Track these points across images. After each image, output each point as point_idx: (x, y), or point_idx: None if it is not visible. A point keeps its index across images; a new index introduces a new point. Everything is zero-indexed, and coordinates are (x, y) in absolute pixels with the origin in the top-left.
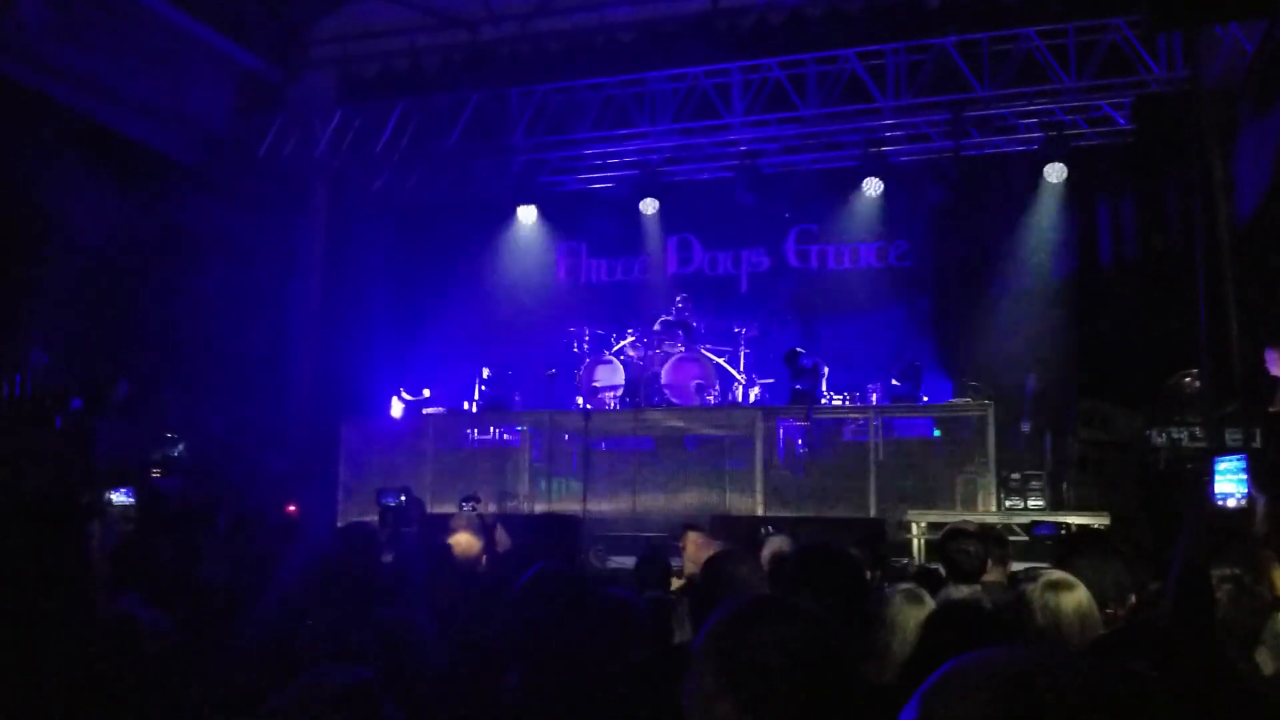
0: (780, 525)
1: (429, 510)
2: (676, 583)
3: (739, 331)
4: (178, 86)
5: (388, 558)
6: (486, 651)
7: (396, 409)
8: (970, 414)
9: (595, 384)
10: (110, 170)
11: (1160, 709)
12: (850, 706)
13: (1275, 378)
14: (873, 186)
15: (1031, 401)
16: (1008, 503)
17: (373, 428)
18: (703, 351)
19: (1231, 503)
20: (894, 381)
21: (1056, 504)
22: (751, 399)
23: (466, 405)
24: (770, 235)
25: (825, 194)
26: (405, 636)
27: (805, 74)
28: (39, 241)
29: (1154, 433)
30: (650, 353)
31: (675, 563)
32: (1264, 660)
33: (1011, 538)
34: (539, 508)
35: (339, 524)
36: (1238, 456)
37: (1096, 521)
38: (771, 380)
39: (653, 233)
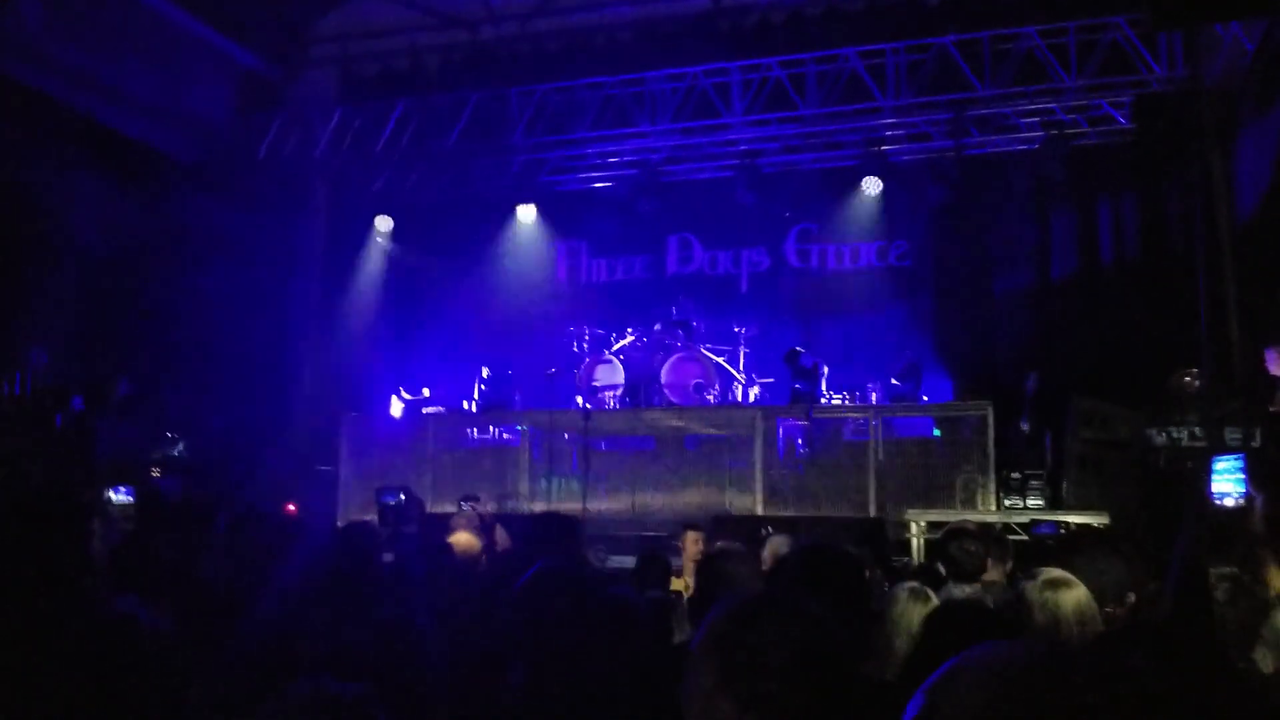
0: (780, 525)
1: (429, 510)
2: (676, 582)
3: (739, 331)
4: (178, 85)
5: (388, 557)
6: (487, 651)
7: (396, 408)
8: (970, 413)
9: (595, 383)
10: (110, 169)
11: (1164, 704)
12: (851, 704)
13: (1275, 377)
14: (873, 186)
15: (1031, 401)
16: (1007, 502)
17: (373, 427)
18: (703, 351)
19: (1229, 502)
20: (894, 381)
21: (1056, 503)
22: (751, 398)
23: (466, 404)
24: (770, 235)
25: (825, 193)
26: (405, 636)
27: (805, 73)
28: (39, 240)
29: (1154, 432)
30: (650, 353)
31: (675, 562)
32: (1263, 659)
33: (1011, 537)
34: (539, 507)
35: (339, 523)
36: (1235, 456)
37: (1096, 520)
38: (771, 380)
39: (653, 232)
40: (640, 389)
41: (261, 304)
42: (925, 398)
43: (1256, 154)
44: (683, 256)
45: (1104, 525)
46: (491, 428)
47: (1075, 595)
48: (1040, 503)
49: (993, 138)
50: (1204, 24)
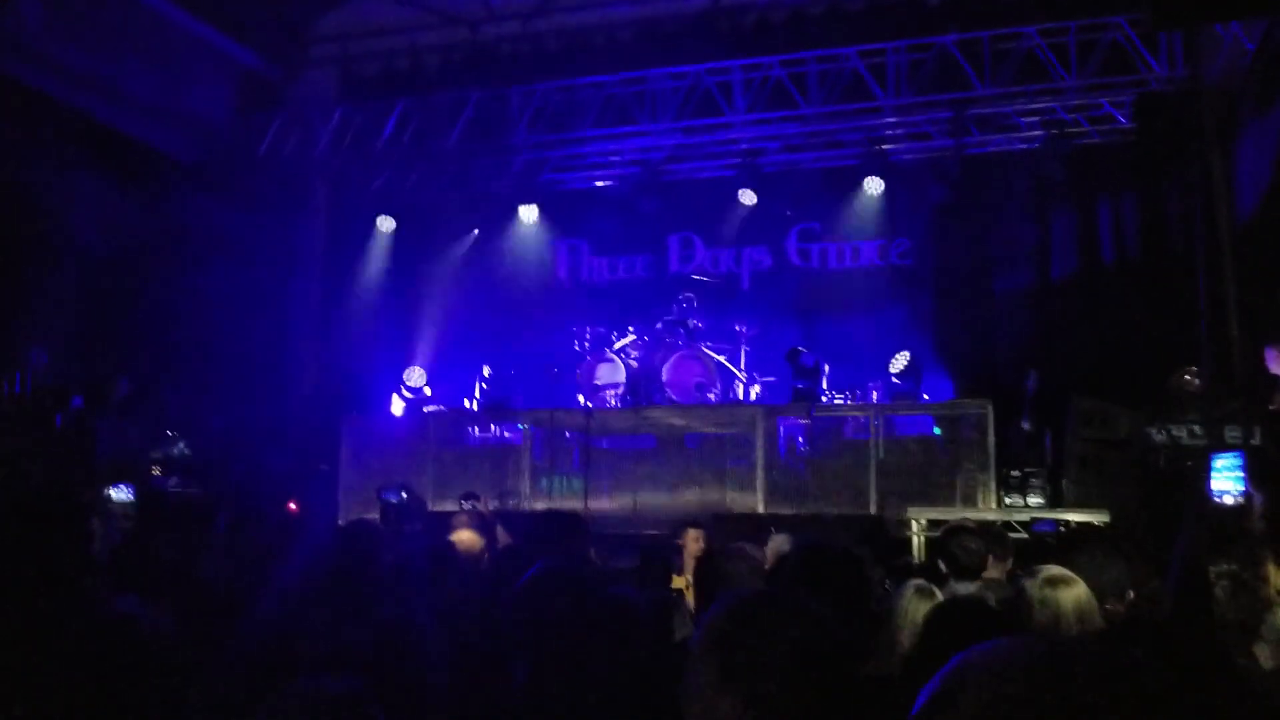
0: (781, 523)
1: (430, 508)
2: (678, 580)
3: (740, 330)
4: (178, 85)
5: (391, 556)
6: (488, 649)
7: (397, 407)
8: (971, 412)
9: (596, 382)
10: (110, 169)
11: (1176, 697)
12: (851, 703)
13: (1275, 376)
14: (874, 185)
15: (1032, 399)
16: (1008, 500)
17: (374, 426)
18: (704, 349)
19: (1228, 500)
20: (895, 379)
21: (1056, 501)
22: (753, 397)
23: (468, 403)
24: (772, 234)
25: (827, 192)
26: (406, 635)
27: (806, 72)
28: (39, 240)
29: (1154, 430)
30: (652, 351)
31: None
32: (1262, 655)
33: (1011, 535)
34: (540, 506)
35: (340, 522)
36: (1234, 454)
37: (1096, 519)
38: (773, 378)
39: (654, 231)
40: (641, 388)
41: (262, 303)
42: (926, 396)
43: (1257, 154)
44: (684, 255)
45: (1104, 523)
46: (493, 426)
47: (1075, 593)
48: (1040, 501)
49: (993, 137)
50: (1204, 24)
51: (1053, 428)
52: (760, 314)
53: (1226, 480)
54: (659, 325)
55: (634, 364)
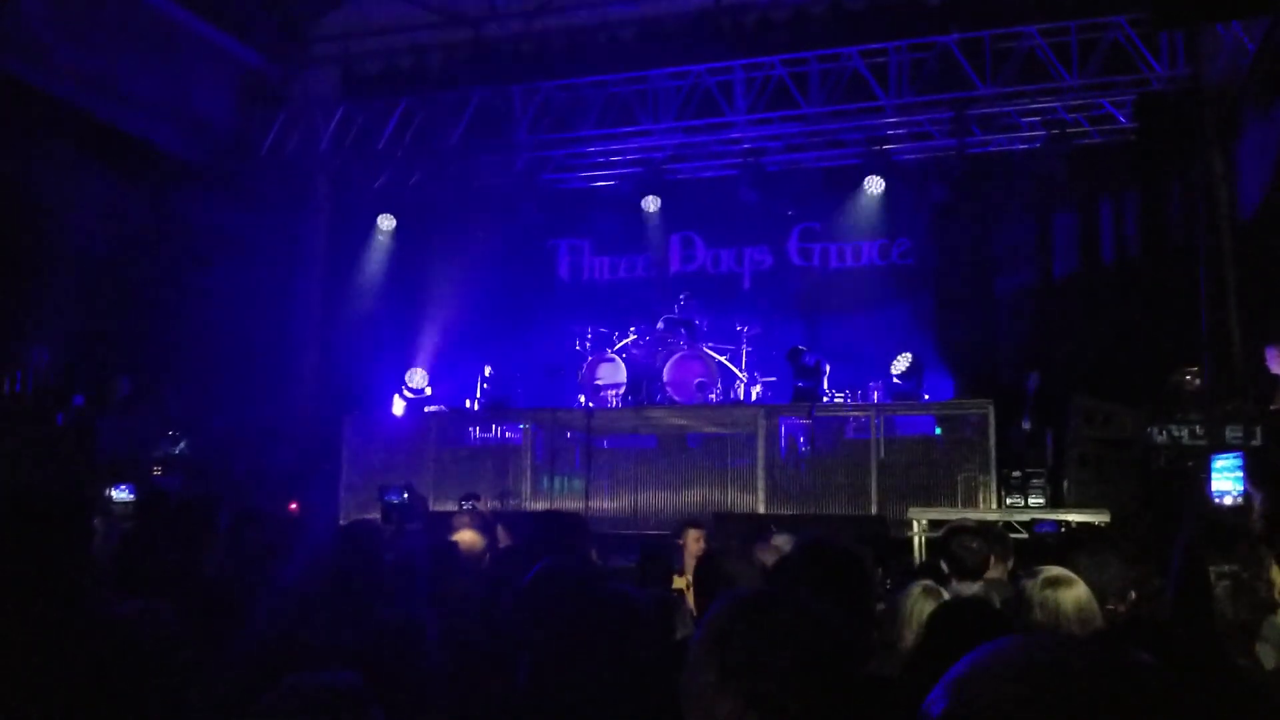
0: (782, 523)
1: (431, 508)
2: (678, 580)
3: (741, 329)
4: (180, 83)
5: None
6: (490, 648)
7: (399, 407)
8: (971, 412)
9: (597, 382)
10: (112, 167)
11: (1177, 698)
12: (852, 702)
13: (1275, 375)
14: (875, 184)
15: (1033, 399)
16: (1009, 500)
17: (375, 425)
18: (705, 349)
19: (1228, 500)
20: (895, 379)
21: (1057, 501)
22: (754, 397)
23: (469, 403)
24: (773, 233)
25: (828, 192)
26: (408, 635)
27: (808, 72)
28: (41, 239)
29: (1154, 430)
30: (653, 351)
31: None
32: (1264, 656)
33: (1012, 535)
34: (541, 506)
35: (341, 521)
36: (1234, 454)
37: (1097, 519)
38: (774, 378)
39: (655, 231)
40: (642, 387)
41: (263, 302)
42: (927, 396)
43: (1257, 154)
44: (685, 255)
45: (1105, 523)
46: (494, 426)
47: (1076, 593)
48: (1041, 501)
49: (994, 137)
50: (1205, 23)
51: (1053, 428)
52: (761, 313)
53: (1226, 480)
54: (660, 325)
55: (635, 353)
